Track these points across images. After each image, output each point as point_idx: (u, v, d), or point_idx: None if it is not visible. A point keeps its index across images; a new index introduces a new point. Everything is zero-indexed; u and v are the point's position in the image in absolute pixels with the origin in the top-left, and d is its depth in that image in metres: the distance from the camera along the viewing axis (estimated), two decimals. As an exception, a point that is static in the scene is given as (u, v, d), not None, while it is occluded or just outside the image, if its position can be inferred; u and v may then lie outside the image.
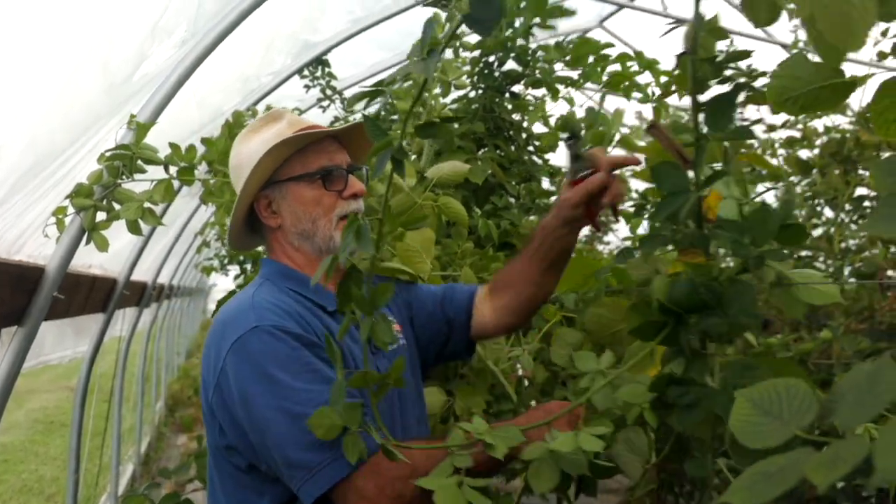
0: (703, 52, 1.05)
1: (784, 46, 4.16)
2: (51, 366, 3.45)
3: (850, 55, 0.79)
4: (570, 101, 2.95)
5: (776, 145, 3.56)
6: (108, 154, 1.82)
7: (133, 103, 1.93)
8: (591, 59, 2.60)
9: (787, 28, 3.86)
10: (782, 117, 3.51)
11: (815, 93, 0.85)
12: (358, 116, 3.37)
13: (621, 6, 4.50)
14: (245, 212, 1.38)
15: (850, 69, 0.84)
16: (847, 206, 3.39)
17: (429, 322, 1.51)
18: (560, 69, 2.67)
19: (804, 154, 3.51)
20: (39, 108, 1.46)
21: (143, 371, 5.79)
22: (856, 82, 0.84)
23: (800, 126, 3.47)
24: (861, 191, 3.46)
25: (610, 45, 2.67)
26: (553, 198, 2.80)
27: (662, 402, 0.98)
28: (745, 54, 1.07)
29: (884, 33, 3.31)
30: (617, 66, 2.61)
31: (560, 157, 3.01)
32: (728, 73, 1.05)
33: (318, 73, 3.70)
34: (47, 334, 2.88)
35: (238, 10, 1.94)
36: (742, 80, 1.06)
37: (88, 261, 2.67)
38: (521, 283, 1.45)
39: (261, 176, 1.33)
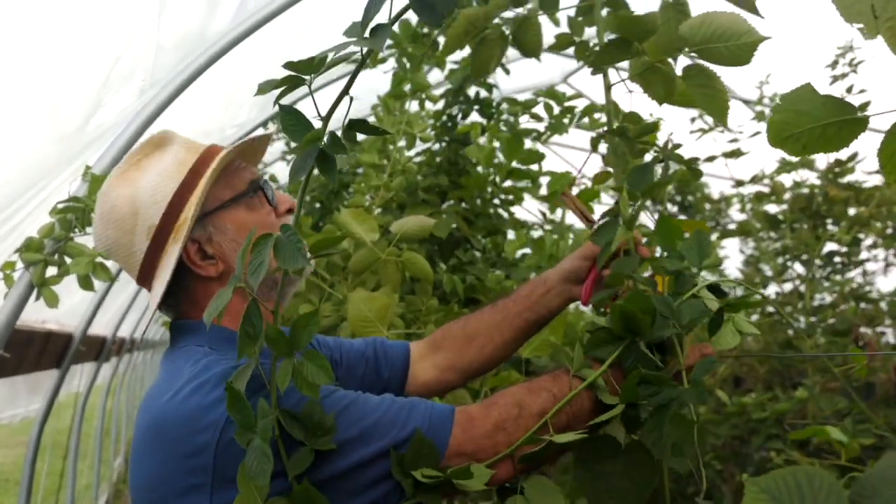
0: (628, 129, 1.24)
1: (746, 102, 4.23)
2: (2, 424, 3.30)
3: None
4: (536, 155, 2.95)
5: (745, 200, 3.58)
6: (60, 206, 1.76)
7: (89, 153, 1.88)
8: (556, 110, 2.61)
9: (750, 84, 3.93)
10: (750, 171, 3.55)
11: (821, 130, 0.79)
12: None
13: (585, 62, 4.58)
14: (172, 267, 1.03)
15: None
16: (818, 262, 3.41)
17: (360, 386, 1.28)
18: (525, 121, 2.67)
19: (773, 209, 3.54)
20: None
21: (101, 427, 5.60)
22: (867, 120, 0.77)
23: (767, 181, 3.50)
24: (831, 246, 3.48)
25: (578, 97, 2.68)
26: (520, 251, 2.77)
27: (632, 418, 1.00)
28: (654, 126, 1.22)
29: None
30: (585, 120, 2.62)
31: (525, 209, 2.98)
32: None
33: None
34: (-3, 393, 2.76)
35: (196, 64, 1.91)
36: (655, 153, 1.22)
37: (43, 316, 2.57)
38: (484, 337, 1.29)
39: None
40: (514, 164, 2.50)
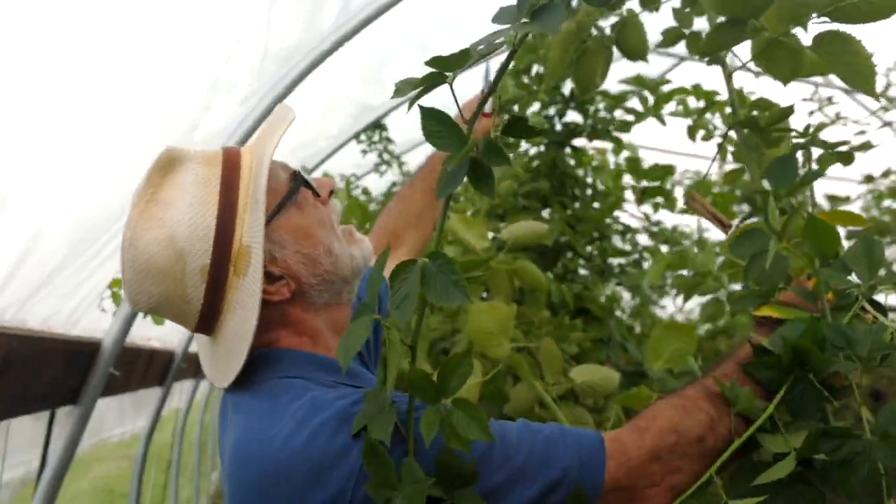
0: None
1: (845, 91, 3.95)
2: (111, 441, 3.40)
3: None
4: (634, 150, 2.82)
5: (879, 196, 3.32)
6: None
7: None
8: (651, 100, 2.47)
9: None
10: (881, 165, 3.29)
11: None
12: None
13: (682, 59, 4.42)
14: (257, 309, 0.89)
15: None
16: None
17: None
18: (619, 115, 2.54)
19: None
20: (91, 176, 1.39)
21: (199, 440, 5.73)
22: None
23: None
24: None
25: (666, 82, 2.52)
26: (624, 258, 2.64)
27: (809, 467, 0.85)
28: (788, 112, 1.08)
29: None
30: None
31: (628, 215, 2.84)
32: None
33: (376, 138, 3.66)
34: (107, 411, 2.83)
35: (298, 68, 1.87)
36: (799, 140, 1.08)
37: (147, 333, 2.60)
38: (428, 214, 1.33)
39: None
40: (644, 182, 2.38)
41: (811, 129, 1.10)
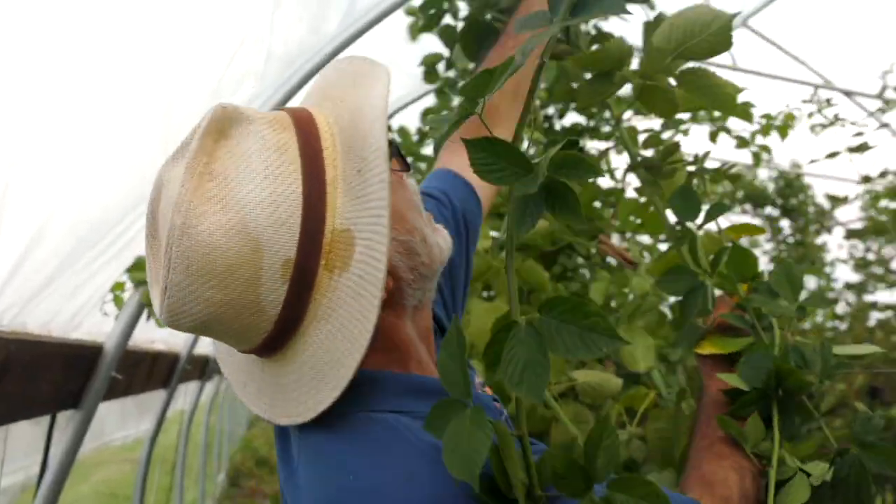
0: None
1: (846, 93, 3.95)
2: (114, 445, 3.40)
3: None
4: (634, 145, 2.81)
5: (874, 197, 3.32)
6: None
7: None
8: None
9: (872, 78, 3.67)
10: (880, 164, 3.28)
11: None
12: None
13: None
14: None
15: None
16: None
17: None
18: (627, 118, 2.53)
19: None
20: (93, 177, 1.39)
21: (205, 443, 5.73)
22: None
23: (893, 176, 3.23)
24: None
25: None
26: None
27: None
28: (675, 146, 1.17)
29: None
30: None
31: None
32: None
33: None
34: (109, 414, 2.82)
35: (303, 71, 1.86)
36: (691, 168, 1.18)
37: (151, 336, 2.60)
38: (524, 84, 0.98)
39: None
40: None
41: (699, 157, 1.20)
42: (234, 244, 0.65)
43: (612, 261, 2.59)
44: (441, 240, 0.80)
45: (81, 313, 1.78)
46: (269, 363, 0.73)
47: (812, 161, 3.64)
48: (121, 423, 2.99)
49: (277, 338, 0.70)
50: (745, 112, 1.06)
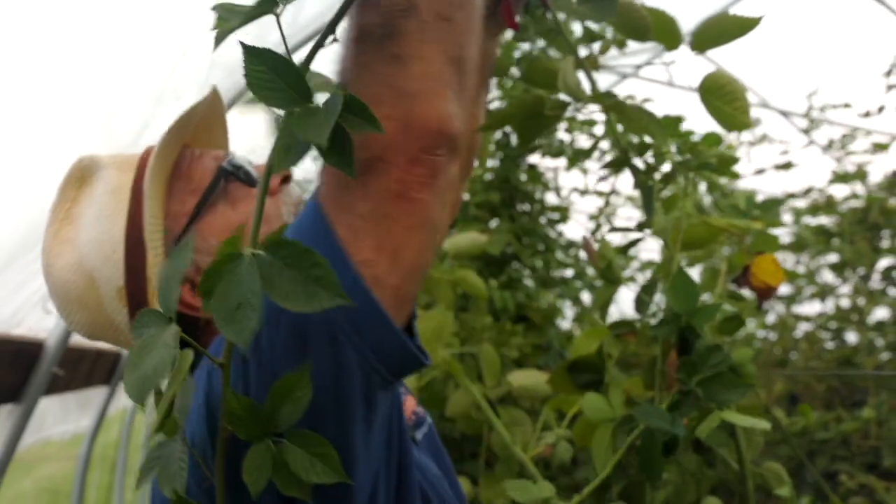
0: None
1: (782, 113, 4.15)
2: (53, 440, 3.37)
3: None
4: (584, 171, 2.92)
5: (799, 213, 3.50)
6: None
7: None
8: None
9: (798, 96, 3.86)
10: (803, 183, 3.46)
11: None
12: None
13: (625, 76, 4.56)
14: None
15: None
16: (877, 275, 3.30)
17: None
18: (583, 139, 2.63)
19: (825, 221, 3.45)
20: (33, 178, 1.41)
21: (147, 442, 5.68)
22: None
23: (818, 193, 3.42)
24: (889, 261, 3.37)
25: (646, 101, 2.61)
26: (568, 270, 2.74)
27: None
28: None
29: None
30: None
31: (573, 230, 2.95)
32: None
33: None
34: (49, 409, 2.80)
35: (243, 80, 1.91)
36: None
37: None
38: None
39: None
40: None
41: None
42: (76, 278, 0.77)
43: (562, 273, 2.70)
44: None
45: (22, 311, 1.79)
46: None
47: (758, 171, 3.78)
48: (62, 417, 2.96)
49: None
50: (664, 138, 1.10)
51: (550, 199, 2.76)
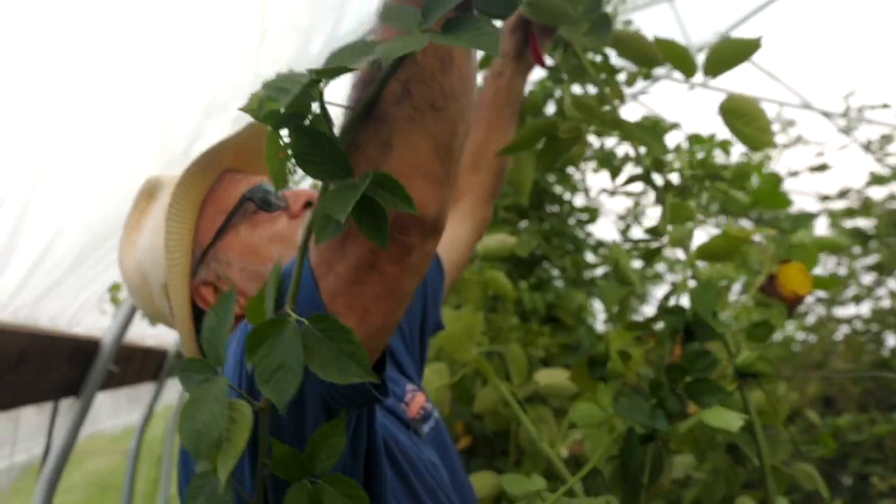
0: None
1: (825, 114, 4.11)
2: (105, 433, 3.54)
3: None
4: (616, 172, 2.96)
5: (834, 215, 3.47)
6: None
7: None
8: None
9: (836, 97, 3.82)
10: (837, 185, 3.44)
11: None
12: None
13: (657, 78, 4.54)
14: (189, 322, 0.94)
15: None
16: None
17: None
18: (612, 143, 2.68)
19: (862, 224, 3.42)
20: (98, 188, 1.53)
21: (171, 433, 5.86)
22: None
23: (855, 195, 3.39)
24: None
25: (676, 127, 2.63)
26: (598, 269, 2.79)
27: None
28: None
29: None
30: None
31: (603, 229, 2.99)
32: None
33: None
34: (103, 404, 2.96)
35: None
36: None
37: (144, 332, 2.74)
38: (488, 155, 1.19)
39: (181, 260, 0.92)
40: None
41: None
42: (136, 276, 0.94)
43: (591, 273, 2.74)
44: None
45: (82, 311, 1.92)
46: None
47: (792, 174, 3.76)
48: (114, 412, 3.12)
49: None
50: (682, 62, 1.07)
51: (579, 200, 2.81)
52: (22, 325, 1.38)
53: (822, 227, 3.67)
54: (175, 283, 0.90)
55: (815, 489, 1.24)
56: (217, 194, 0.95)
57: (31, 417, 1.80)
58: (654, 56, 1.01)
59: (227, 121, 1.96)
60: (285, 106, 0.52)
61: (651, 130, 1.04)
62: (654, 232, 1.21)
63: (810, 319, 3.84)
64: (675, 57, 1.05)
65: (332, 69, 0.53)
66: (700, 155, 2.30)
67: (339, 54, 0.55)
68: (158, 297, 0.93)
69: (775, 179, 2.47)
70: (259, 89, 0.54)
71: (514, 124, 1.23)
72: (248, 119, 2.04)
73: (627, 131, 1.07)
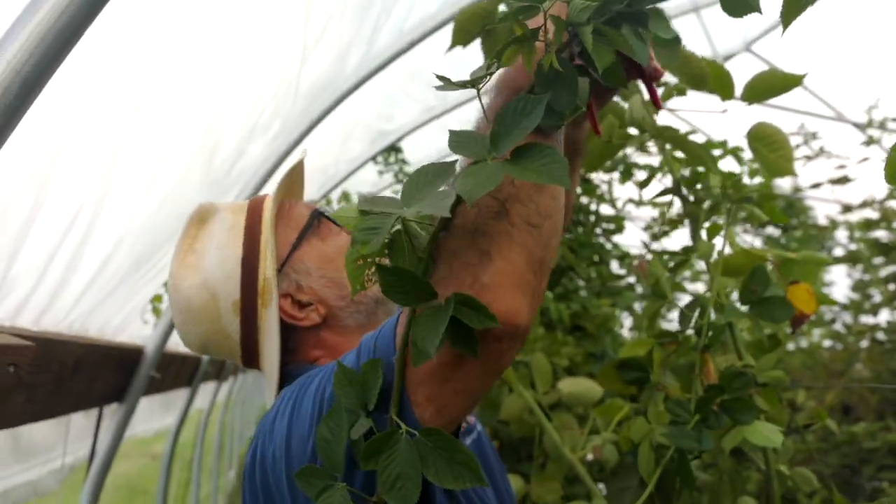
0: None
1: (856, 126, 4.10)
2: (137, 437, 3.62)
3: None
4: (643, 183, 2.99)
5: (853, 227, 3.49)
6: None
7: (229, 196, 2.11)
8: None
9: (860, 107, 3.82)
10: (858, 196, 3.46)
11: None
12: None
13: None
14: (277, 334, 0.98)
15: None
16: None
17: None
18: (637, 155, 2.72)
19: (882, 235, 3.43)
20: (149, 207, 1.61)
21: (219, 440, 5.95)
22: None
23: (876, 206, 3.40)
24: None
25: (693, 132, 2.67)
26: (623, 281, 2.83)
27: None
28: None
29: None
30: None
31: (629, 237, 3.04)
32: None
33: (392, 160, 3.90)
34: (137, 408, 3.04)
35: (322, 107, 2.11)
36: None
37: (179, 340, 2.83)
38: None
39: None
40: None
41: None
42: (201, 294, 0.98)
43: (617, 283, 2.79)
44: None
45: (127, 321, 2.01)
46: (262, 374, 1.04)
47: (814, 186, 3.78)
48: (147, 416, 3.21)
49: (248, 355, 1.01)
50: (723, 85, 1.10)
51: (605, 209, 2.85)
52: (77, 335, 1.48)
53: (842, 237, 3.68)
54: (265, 293, 0.97)
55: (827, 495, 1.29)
56: (284, 213, 1.05)
57: (79, 421, 1.89)
58: (706, 77, 1.05)
59: (265, 142, 2.06)
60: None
61: (707, 151, 1.09)
62: (688, 249, 1.26)
63: (837, 327, 3.83)
64: (717, 79, 1.10)
65: (417, 208, 0.60)
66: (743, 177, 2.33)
67: (416, 179, 0.63)
68: (227, 313, 0.97)
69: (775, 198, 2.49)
70: (354, 227, 0.63)
71: (577, 169, 1.28)
72: (284, 137, 2.12)
73: (688, 150, 1.12)
